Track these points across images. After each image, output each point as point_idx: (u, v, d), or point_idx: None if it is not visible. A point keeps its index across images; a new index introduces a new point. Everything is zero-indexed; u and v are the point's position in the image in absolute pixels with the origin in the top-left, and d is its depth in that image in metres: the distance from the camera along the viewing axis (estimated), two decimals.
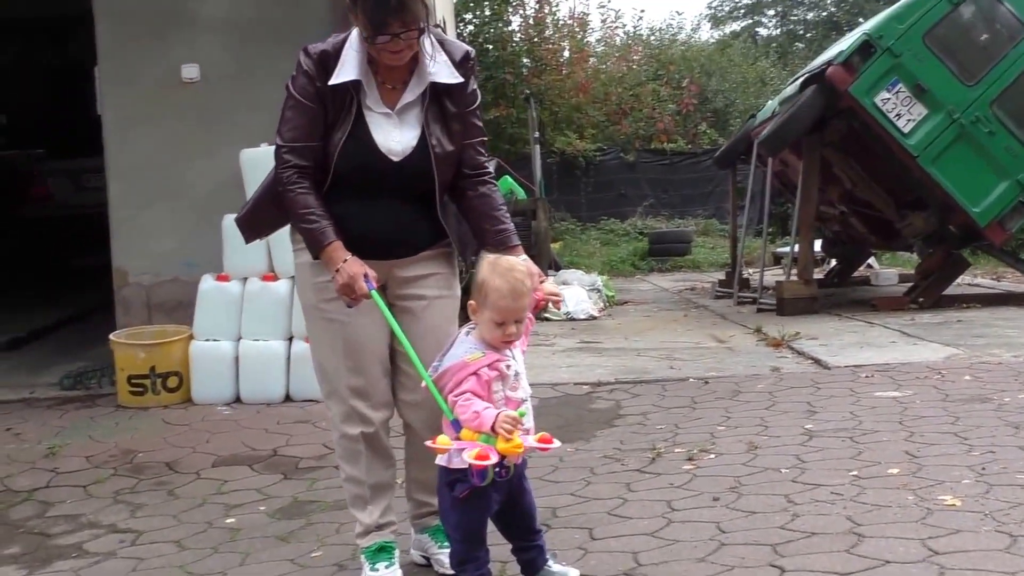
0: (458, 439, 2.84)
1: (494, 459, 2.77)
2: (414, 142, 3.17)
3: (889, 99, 8.61)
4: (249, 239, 3.46)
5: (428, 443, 2.92)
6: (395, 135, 3.16)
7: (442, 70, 3.17)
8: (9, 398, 6.57)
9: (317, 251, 3.13)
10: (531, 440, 2.84)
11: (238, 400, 6.25)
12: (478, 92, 3.32)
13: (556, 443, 2.88)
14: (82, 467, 5.09)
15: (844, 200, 10.18)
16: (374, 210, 3.19)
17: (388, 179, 3.17)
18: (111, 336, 6.41)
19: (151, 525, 4.24)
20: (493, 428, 2.78)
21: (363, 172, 3.16)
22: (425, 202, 3.22)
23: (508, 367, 2.90)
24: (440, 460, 2.87)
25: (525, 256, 3.23)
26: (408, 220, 3.22)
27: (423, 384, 3.07)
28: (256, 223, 3.40)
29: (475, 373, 2.86)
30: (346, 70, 3.10)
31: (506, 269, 2.91)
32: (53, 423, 5.91)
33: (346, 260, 3.08)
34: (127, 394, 6.25)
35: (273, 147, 3.20)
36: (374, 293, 3.08)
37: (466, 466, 2.79)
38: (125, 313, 6.79)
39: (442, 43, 3.20)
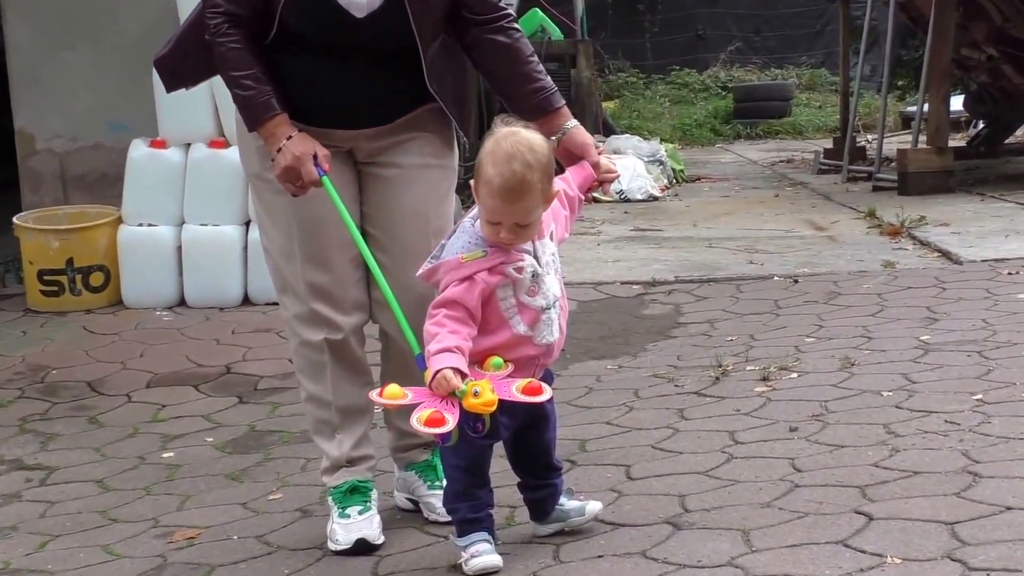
0: (421, 383, 2.87)
1: (450, 425, 2.79)
2: None
3: None
4: (171, 87, 3.44)
5: (373, 395, 2.95)
6: None
7: None
8: None
9: (254, 125, 3.14)
10: (514, 391, 2.85)
11: (182, 303, 6.34)
12: None
13: (547, 394, 2.90)
14: None
15: (993, 40, 9.98)
16: (334, 72, 3.17)
17: (351, 38, 3.13)
18: (15, 220, 6.49)
19: (67, 460, 4.35)
20: (431, 384, 2.80)
21: (317, 30, 3.13)
22: (406, 61, 3.18)
23: (520, 269, 2.90)
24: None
25: (574, 122, 3.22)
26: (381, 85, 3.20)
27: (407, 279, 3.11)
28: (179, 68, 3.38)
29: (469, 278, 2.88)
30: None
31: (506, 155, 2.85)
32: None
33: (291, 137, 3.09)
34: (38, 295, 6.36)
35: None
36: (325, 180, 3.10)
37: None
38: (34, 190, 6.87)
39: None
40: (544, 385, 2.92)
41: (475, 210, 2.97)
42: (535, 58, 3.27)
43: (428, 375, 2.84)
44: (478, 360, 2.91)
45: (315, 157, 3.09)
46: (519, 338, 2.92)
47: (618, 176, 3.31)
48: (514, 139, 2.88)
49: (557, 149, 3.18)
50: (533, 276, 2.92)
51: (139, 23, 6.59)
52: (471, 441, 2.91)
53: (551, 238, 3.01)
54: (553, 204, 3.03)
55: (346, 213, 3.13)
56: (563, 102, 3.26)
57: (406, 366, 3.25)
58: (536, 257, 2.94)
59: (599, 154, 3.21)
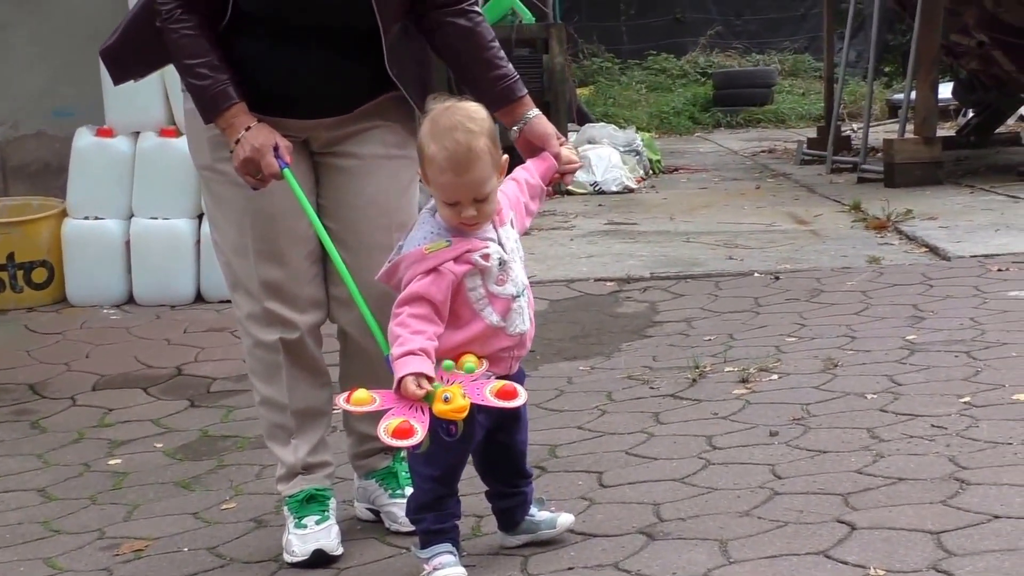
0: (385, 385, 2.85)
1: (419, 436, 2.77)
2: None
3: None
4: (118, 79, 3.44)
5: (340, 401, 2.92)
6: None
7: None
8: None
9: (211, 115, 3.13)
10: (487, 394, 2.85)
11: (130, 300, 6.33)
12: None
13: (521, 398, 2.90)
14: None
15: (984, 26, 10.03)
16: (292, 55, 3.17)
17: (309, 16, 3.14)
18: None
19: (6, 468, 4.32)
20: (399, 387, 2.79)
21: (274, 7, 3.14)
22: (366, 44, 3.19)
23: (487, 256, 2.91)
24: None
25: (536, 112, 3.23)
26: (340, 69, 3.21)
27: (368, 276, 3.09)
28: (128, 59, 3.37)
29: (434, 270, 2.88)
30: None
31: (447, 128, 2.87)
32: None
33: (250, 128, 3.09)
34: None
35: None
36: (287, 172, 3.10)
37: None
38: None
39: None
40: (519, 387, 2.91)
41: (432, 201, 2.98)
42: (496, 44, 3.28)
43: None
44: (453, 358, 2.90)
45: (276, 148, 3.09)
46: (492, 329, 2.93)
47: (580, 167, 3.33)
48: (451, 112, 2.91)
49: (517, 140, 3.22)
50: (500, 264, 2.93)
51: (87, 1, 6.54)
52: (448, 446, 2.91)
53: (512, 226, 3.02)
54: (510, 193, 3.05)
55: (309, 207, 3.13)
56: (526, 91, 3.27)
57: (367, 366, 3.26)
58: (500, 244, 2.95)
59: (561, 145, 3.22)
